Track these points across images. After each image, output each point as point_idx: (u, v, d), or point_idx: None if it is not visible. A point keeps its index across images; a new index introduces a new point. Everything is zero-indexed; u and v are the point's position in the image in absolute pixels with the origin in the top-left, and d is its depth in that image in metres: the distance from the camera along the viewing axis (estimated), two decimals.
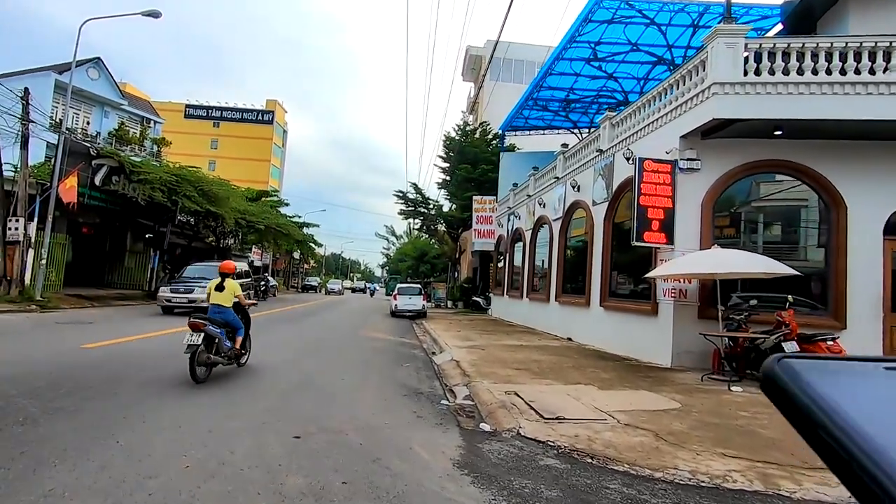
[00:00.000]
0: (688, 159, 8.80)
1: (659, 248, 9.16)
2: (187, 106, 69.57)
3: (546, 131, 24.45)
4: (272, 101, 71.64)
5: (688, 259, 7.81)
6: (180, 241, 25.94)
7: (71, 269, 22.89)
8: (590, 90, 19.19)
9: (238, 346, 6.81)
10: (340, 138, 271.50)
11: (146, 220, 22.72)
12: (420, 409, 5.46)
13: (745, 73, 7.91)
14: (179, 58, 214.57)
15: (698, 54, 8.58)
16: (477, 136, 29.95)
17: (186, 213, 25.92)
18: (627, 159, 10.45)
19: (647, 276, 8.73)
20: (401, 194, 30.87)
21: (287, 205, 50.33)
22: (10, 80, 25.43)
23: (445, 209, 31.71)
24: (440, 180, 32.30)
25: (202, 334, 6.01)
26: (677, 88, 9.17)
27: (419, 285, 23.14)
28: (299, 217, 49.51)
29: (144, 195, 19.20)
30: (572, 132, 23.88)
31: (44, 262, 14.89)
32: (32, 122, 14.93)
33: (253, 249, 40.96)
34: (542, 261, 17.25)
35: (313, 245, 52.04)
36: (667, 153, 9.11)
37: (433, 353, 10.78)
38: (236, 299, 6.87)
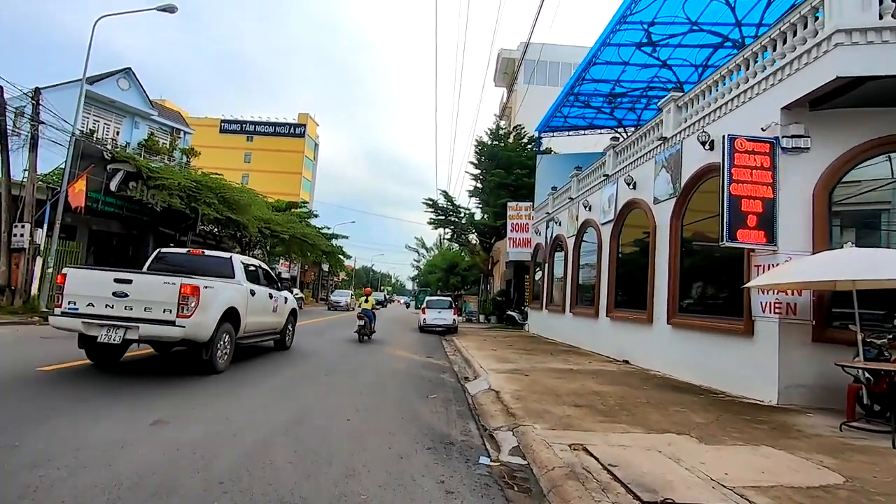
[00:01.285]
0: (793, 136, 6.85)
1: (754, 250, 7.20)
2: (222, 121, 70.93)
3: (587, 131, 22.57)
4: (304, 114, 72.26)
5: (811, 263, 5.84)
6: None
7: None
8: (639, 82, 17.27)
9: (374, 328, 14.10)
10: (372, 152, 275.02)
11: (167, 229, 21.99)
12: (450, 476, 3.73)
13: (881, 17, 5.97)
14: (217, 76, 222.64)
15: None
16: (510, 139, 28.29)
17: (208, 221, 25.26)
18: (703, 143, 8.54)
19: (750, 284, 6.75)
20: (430, 202, 29.42)
21: (316, 216, 49.83)
22: (45, 93, 25.60)
23: (477, 217, 30.04)
24: (471, 188, 30.72)
25: (364, 321, 13.44)
26: (774, 49, 7.27)
27: (449, 298, 21.46)
28: (328, 228, 48.90)
29: (162, 202, 18.37)
30: (616, 131, 21.91)
31: (50, 270, 13.96)
32: (42, 122, 14.17)
33: (280, 261, 40.27)
34: (589, 270, 15.31)
35: (342, 257, 51.30)
36: (763, 129, 7.18)
37: (465, 377, 9.03)
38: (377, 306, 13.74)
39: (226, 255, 8.83)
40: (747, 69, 7.87)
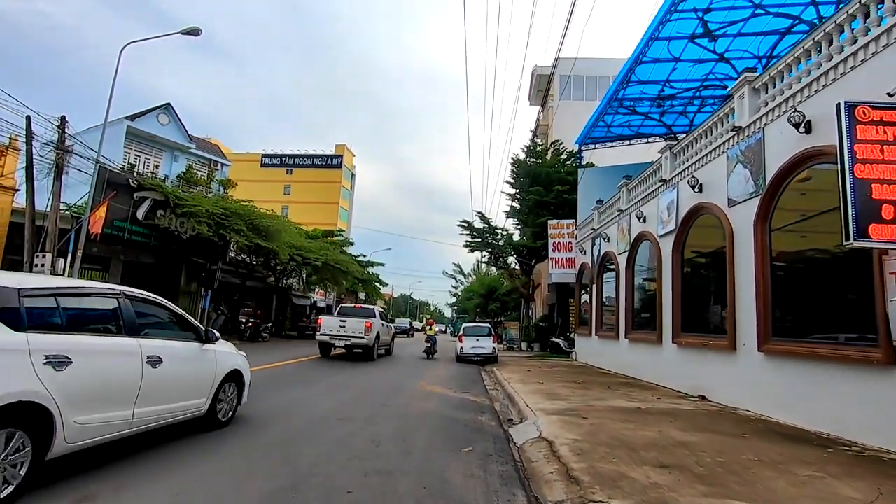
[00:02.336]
0: None
1: (888, 252, 5.44)
2: (263, 155, 73.07)
3: (633, 141, 20.92)
4: (340, 145, 73.60)
5: None
6: (234, 280, 24.72)
7: None
8: (691, 80, 15.63)
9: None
10: (408, 184, 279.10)
11: (198, 258, 21.64)
12: None
13: None
14: (260, 116, 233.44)
15: None
16: (549, 156, 26.88)
17: (239, 250, 24.88)
18: (797, 126, 6.89)
19: None
20: (466, 224, 28.17)
21: (351, 244, 49.54)
22: (88, 132, 26.42)
23: (516, 239, 28.52)
24: (508, 208, 29.31)
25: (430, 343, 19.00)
26: None
27: (488, 325, 19.88)
28: (364, 256, 48.45)
29: (190, 230, 17.94)
30: (665, 139, 20.16)
31: None
32: (68, 150, 13.92)
33: (316, 290, 39.81)
34: (646, 289, 13.50)
35: (378, 284, 50.58)
36: (890, 95, 5.52)
37: (509, 419, 7.48)
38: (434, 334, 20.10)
39: (371, 306, 19.13)
40: (863, 22, 6.24)
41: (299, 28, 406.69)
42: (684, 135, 14.00)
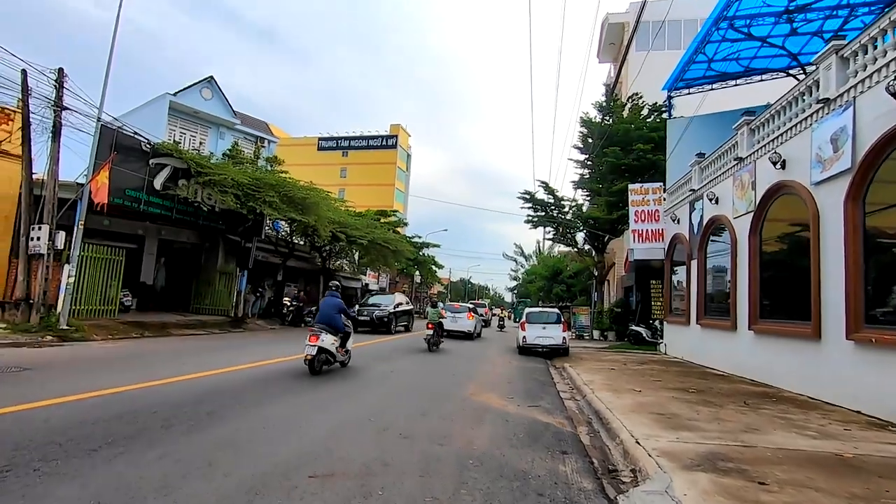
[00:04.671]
0: None
1: None
2: (319, 139, 72.66)
3: (740, 80, 16.59)
4: (395, 125, 71.68)
5: None
6: (275, 259, 22.96)
7: (164, 292, 21.04)
8: None
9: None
10: (466, 168, 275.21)
11: (234, 236, 19.94)
12: None
13: None
14: (318, 105, 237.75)
15: None
16: (626, 112, 22.79)
17: (273, 226, 23.03)
18: None
19: None
20: (527, 196, 24.71)
21: (405, 224, 47.35)
22: (132, 114, 25.56)
23: (585, 211, 24.73)
24: (577, 177, 25.57)
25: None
26: None
27: (556, 311, 16.61)
28: (419, 238, 46.17)
29: (216, 201, 16.00)
30: (789, 74, 15.71)
31: (71, 279, 11.74)
32: (67, 108, 12.14)
33: (368, 272, 38.00)
34: (786, 262, 9.76)
35: (434, 267, 48.24)
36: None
37: (611, 468, 4.43)
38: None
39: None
40: None
41: (360, 18, 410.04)
42: (813, 67, 9.94)
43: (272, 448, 4.15)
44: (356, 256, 33.36)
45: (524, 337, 15.13)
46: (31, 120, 12.02)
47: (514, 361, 13.21)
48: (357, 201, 41.72)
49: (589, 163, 23.79)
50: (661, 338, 17.36)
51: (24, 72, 11.96)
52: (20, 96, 12.04)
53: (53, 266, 11.92)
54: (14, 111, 13.42)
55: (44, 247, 11.51)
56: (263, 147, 32.16)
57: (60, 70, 12.21)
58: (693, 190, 14.19)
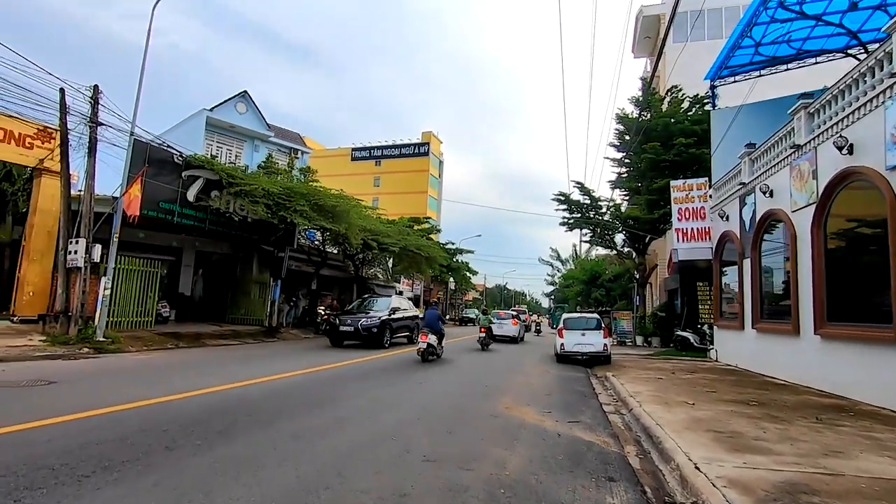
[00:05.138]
0: None
1: None
2: (353, 149, 73.65)
3: (791, 65, 15.40)
4: (427, 133, 71.86)
5: None
6: (308, 269, 23.01)
7: (202, 303, 21.38)
8: None
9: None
10: (501, 174, 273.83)
11: (267, 246, 20.07)
12: None
13: None
14: (356, 116, 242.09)
15: None
16: (665, 105, 21.72)
17: (307, 235, 23.09)
18: None
19: None
20: (562, 198, 23.86)
21: (438, 231, 47.10)
22: (172, 131, 26.42)
23: (624, 211, 23.66)
24: (614, 176, 24.55)
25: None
26: None
27: (597, 316, 15.73)
28: (452, 244, 45.79)
29: (246, 211, 16.07)
30: (847, 54, 14.45)
31: (107, 292, 11.89)
32: (102, 124, 12.39)
33: (402, 280, 37.84)
34: (859, 256, 8.73)
35: (468, 273, 47.70)
36: None
37: (668, 501, 3.78)
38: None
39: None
40: None
41: (391, 33, 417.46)
42: (877, 44, 8.88)
43: (278, 473, 3.74)
44: (389, 264, 33.30)
45: (562, 344, 14.38)
46: (69, 137, 12.34)
47: (551, 370, 12.50)
48: (390, 210, 41.81)
49: (626, 161, 22.77)
50: (711, 344, 16.22)
51: (62, 90, 12.30)
52: (59, 115, 12.37)
53: (91, 279, 12.13)
54: (55, 129, 13.85)
55: (81, 260, 11.72)
56: (297, 158, 32.63)
57: (95, 87, 12.49)
58: (743, 183, 13.16)
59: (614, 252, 27.97)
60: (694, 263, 17.73)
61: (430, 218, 54.50)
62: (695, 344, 17.76)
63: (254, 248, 21.02)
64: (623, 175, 23.62)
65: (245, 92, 29.48)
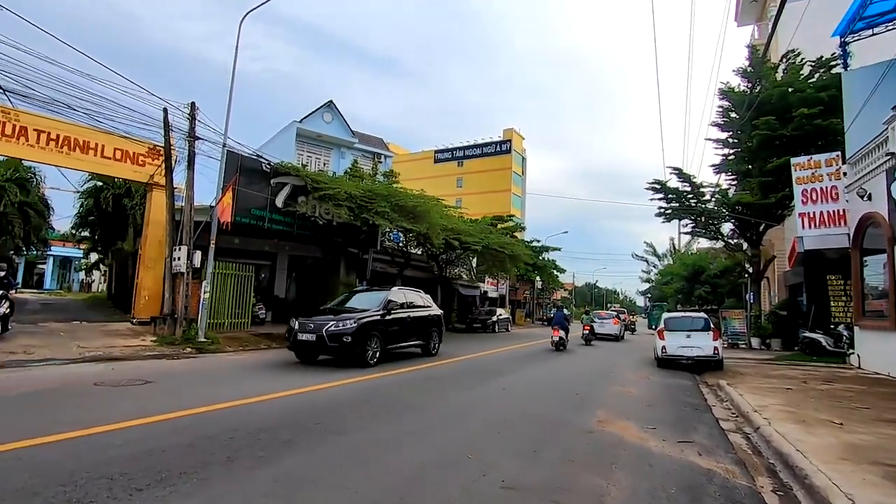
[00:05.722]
0: None
1: None
2: (436, 151, 74.54)
3: None
4: (508, 129, 70.71)
5: None
6: (391, 270, 23.24)
7: (295, 305, 22.38)
8: None
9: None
10: (590, 167, 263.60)
11: (353, 248, 20.53)
12: None
13: None
14: (440, 119, 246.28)
15: None
16: (779, 73, 18.99)
17: (392, 237, 23.29)
18: None
19: None
20: (657, 186, 21.81)
21: (523, 228, 45.86)
22: (267, 145, 28.21)
23: (732, 196, 21.09)
24: (718, 160, 22.03)
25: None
26: None
27: (704, 316, 13.97)
28: (537, 242, 44.37)
29: (331, 214, 16.43)
30: None
31: (206, 295, 12.64)
32: (199, 138, 13.23)
33: (486, 279, 37.25)
34: None
35: (555, 271, 45.94)
36: None
37: None
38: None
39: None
40: None
41: (469, 35, 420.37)
42: None
43: (332, 496, 3.31)
44: (473, 263, 32.90)
45: (663, 347, 12.90)
46: (171, 152, 13.33)
47: (652, 377, 11.19)
48: (474, 210, 41.39)
49: (733, 140, 20.26)
50: (850, 347, 13.77)
51: (165, 110, 13.29)
52: (163, 132, 13.40)
53: (192, 283, 12.98)
54: (162, 147, 15.11)
55: (183, 265, 12.56)
56: (380, 162, 33.39)
57: (192, 104, 13.37)
58: (892, 154, 10.87)
59: (721, 244, 25.13)
60: (823, 253, 15.22)
61: (513, 216, 53.43)
62: (827, 347, 15.22)
63: (340, 251, 21.63)
64: (729, 157, 21.06)
65: (330, 102, 30.72)
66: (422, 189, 20.16)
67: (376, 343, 10.28)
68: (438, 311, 13.42)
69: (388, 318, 10.88)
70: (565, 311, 18.75)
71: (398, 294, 11.90)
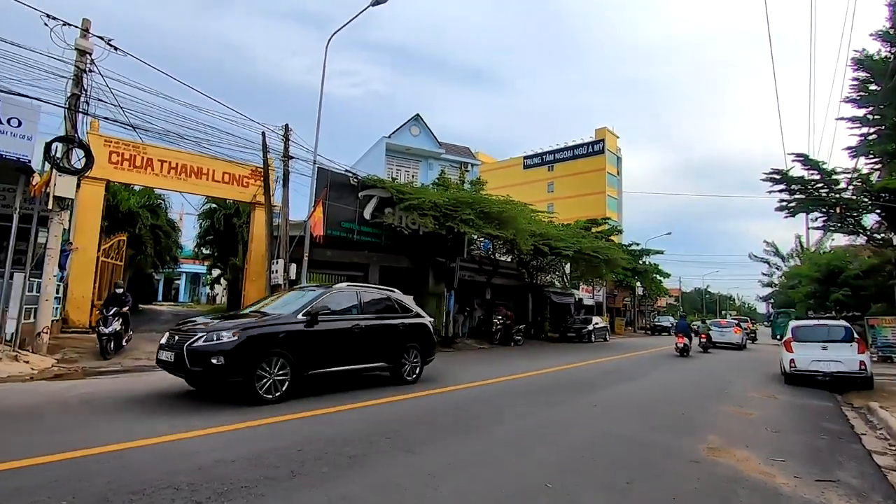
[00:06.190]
0: None
1: None
2: (525, 157, 73.52)
3: None
4: (601, 129, 67.66)
5: None
6: (480, 278, 22.92)
7: None
8: None
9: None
10: (694, 163, 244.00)
11: (440, 258, 20.58)
12: None
13: None
14: (529, 124, 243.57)
15: None
16: None
17: (482, 245, 22.97)
18: None
19: None
20: (777, 176, 19.15)
21: (620, 231, 43.22)
22: (360, 161, 29.63)
23: (876, 182, 17.90)
24: (855, 141, 18.86)
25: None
26: None
27: (844, 324, 11.81)
28: (637, 245, 41.54)
29: (416, 224, 16.59)
30: None
31: None
32: (293, 157, 14.05)
33: (581, 286, 35.51)
34: None
35: (658, 276, 42.62)
36: None
37: None
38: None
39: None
40: None
41: (552, 36, 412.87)
42: None
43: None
44: (566, 269, 31.54)
45: (792, 360, 11.09)
46: (269, 172, 14.30)
47: (779, 395, 9.61)
48: (566, 214, 39.79)
49: (874, 116, 17.23)
50: None
51: (263, 133, 14.32)
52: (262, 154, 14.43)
53: None
54: (261, 167, 16.33)
55: (281, 277, 13.33)
56: (467, 171, 33.46)
57: (286, 126, 14.26)
58: None
59: (863, 239, 21.48)
60: None
61: (608, 219, 50.68)
62: None
63: (428, 261, 21.79)
64: (870, 137, 17.94)
65: (417, 115, 31.44)
66: (508, 195, 19.70)
67: (281, 367, 6.60)
68: (423, 320, 9.56)
69: (314, 328, 7.10)
70: (686, 317, 21.93)
71: (342, 294, 8.09)
